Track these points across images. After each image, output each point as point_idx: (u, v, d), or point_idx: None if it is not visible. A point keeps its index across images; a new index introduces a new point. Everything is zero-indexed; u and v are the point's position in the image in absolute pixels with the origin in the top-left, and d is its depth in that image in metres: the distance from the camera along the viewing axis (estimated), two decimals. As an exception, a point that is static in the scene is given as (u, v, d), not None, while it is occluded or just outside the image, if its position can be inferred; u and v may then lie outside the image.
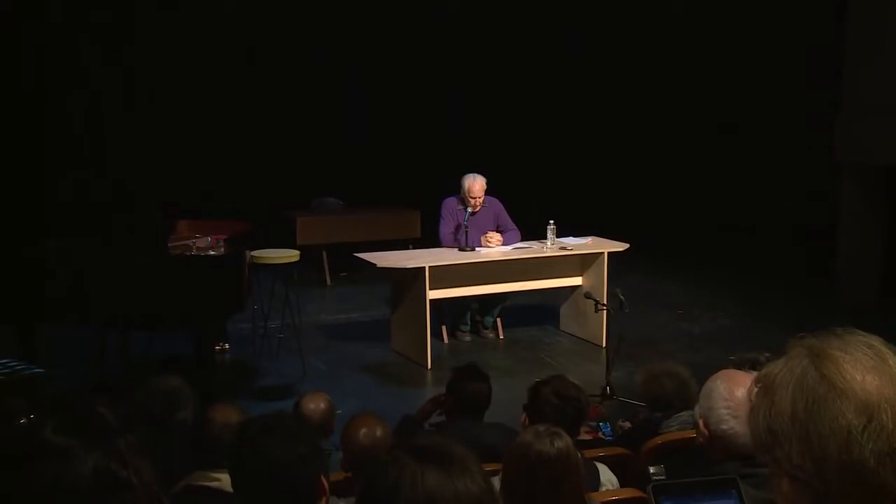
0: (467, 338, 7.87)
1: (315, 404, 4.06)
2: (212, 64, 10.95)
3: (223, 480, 3.01)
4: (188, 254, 6.22)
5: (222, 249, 6.32)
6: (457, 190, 7.61)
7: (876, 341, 1.23)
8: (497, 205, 7.75)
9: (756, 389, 1.27)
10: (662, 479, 2.72)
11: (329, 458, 3.25)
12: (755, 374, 2.66)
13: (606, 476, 3.44)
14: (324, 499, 2.29)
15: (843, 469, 1.15)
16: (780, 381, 1.23)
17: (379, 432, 3.25)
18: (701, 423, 2.62)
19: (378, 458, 1.46)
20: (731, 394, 2.57)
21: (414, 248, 8.80)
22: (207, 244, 6.35)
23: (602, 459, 3.62)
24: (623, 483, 3.49)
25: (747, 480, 2.20)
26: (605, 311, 6.96)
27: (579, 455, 3.34)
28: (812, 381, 1.19)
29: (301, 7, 11.49)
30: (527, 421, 3.68)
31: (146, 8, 10.72)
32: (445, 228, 7.62)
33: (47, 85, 10.33)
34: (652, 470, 3.10)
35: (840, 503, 1.17)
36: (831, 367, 1.19)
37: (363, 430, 3.25)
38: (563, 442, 2.73)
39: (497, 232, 7.56)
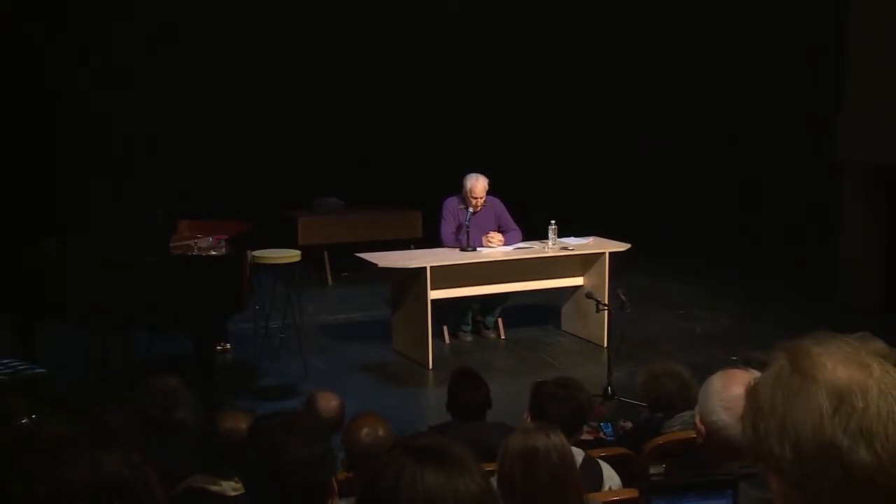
0: (468, 338, 7.86)
1: (327, 402, 4.10)
2: (212, 64, 10.95)
3: (223, 487, 3.01)
4: (189, 254, 6.22)
5: (223, 249, 6.32)
6: (458, 190, 7.61)
7: (854, 339, 1.28)
8: (498, 205, 7.75)
9: (745, 400, 1.32)
10: (660, 479, 2.72)
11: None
12: (756, 372, 2.67)
13: (608, 474, 3.44)
14: (332, 499, 2.29)
15: (819, 451, 1.18)
16: (762, 382, 1.28)
17: (381, 432, 3.25)
18: (697, 419, 2.62)
19: (378, 459, 1.46)
20: (726, 389, 2.57)
21: (415, 248, 8.80)
22: (209, 244, 6.34)
23: (603, 460, 3.61)
24: (624, 483, 3.49)
25: (749, 480, 2.20)
26: (606, 312, 6.96)
27: (584, 453, 3.35)
28: (787, 375, 1.24)
29: (301, 7, 11.49)
30: (529, 419, 3.68)
31: (147, 7, 10.72)
32: (446, 228, 7.62)
33: (47, 84, 10.33)
34: (652, 470, 3.09)
35: (822, 488, 1.19)
36: (805, 361, 1.24)
37: (365, 430, 3.25)
38: (559, 438, 2.74)
39: (498, 232, 7.56)
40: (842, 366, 1.22)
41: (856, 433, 1.17)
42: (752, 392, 1.30)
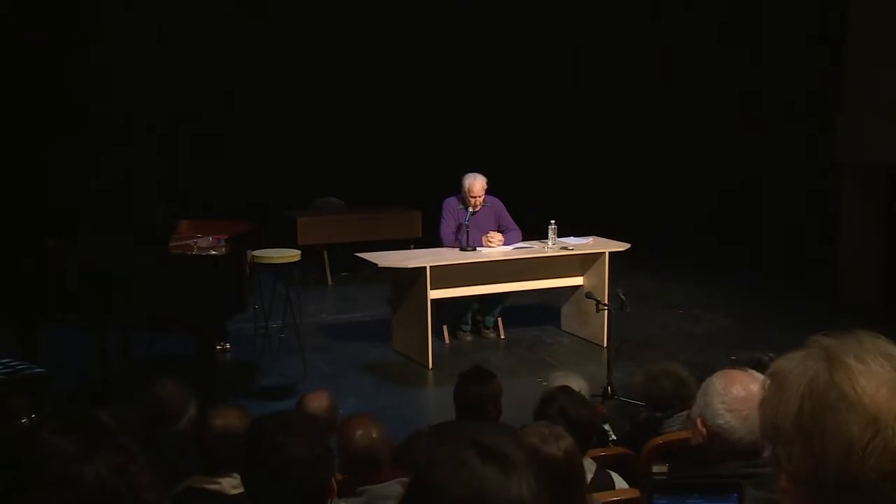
0: (468, 338, 7.86)
1: (318, 402, 4.08)
2: (212, 64, 10.95)
3: (223, 485, 3.01)
4: (189, 253, 6.22)
5: (223, 249, 6.32)
6: (458, 190, 7.61)
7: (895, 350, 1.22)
8: (498, 204, 7.75)
9: (769, 382, 1.26)
10: (663, 478, 2.72)
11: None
12: (754, 373, 2.67)
13: (619, 485, 3.42)
14: (331, 498, 2.29)
15: (842, 480, 1.14)
16: (792, 379, 1.21)
17: (375, 434, 3.23)
18: (699, 421, 2.62)
19: (432, 448, 1.41)
20: (728, 390, 2.57)
21: (415, 248, 8.80)
22: (209, 244, 6.34)
23: (603, 459, 3.61)
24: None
25: (749, 480, 2.20)
26: (606, 312, 6.96)
27: (597, 466, 3.34)
28: (822, 386, 1.18)
29: (302, 7, 11.49)
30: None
31: (146, 8, 10.73)
32: (446, 228, 7.62)
33: (50, 83, 10.33)
34: (655, 468, 3.09)
35: None
36: (843, 376, 1.17)
37: (359, 432, 3.24)
38: (568, 443, 2.73)
39: (498, 232, 7.56)
40: (884, 390, 1.15)
41: (885, 472, 1.13)
42: (778, 384, 1.23)
